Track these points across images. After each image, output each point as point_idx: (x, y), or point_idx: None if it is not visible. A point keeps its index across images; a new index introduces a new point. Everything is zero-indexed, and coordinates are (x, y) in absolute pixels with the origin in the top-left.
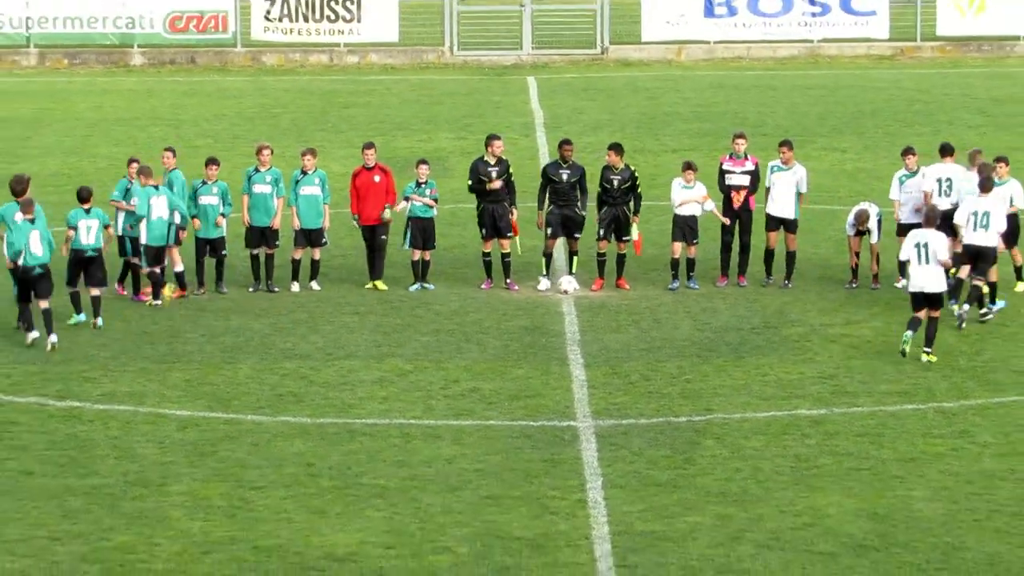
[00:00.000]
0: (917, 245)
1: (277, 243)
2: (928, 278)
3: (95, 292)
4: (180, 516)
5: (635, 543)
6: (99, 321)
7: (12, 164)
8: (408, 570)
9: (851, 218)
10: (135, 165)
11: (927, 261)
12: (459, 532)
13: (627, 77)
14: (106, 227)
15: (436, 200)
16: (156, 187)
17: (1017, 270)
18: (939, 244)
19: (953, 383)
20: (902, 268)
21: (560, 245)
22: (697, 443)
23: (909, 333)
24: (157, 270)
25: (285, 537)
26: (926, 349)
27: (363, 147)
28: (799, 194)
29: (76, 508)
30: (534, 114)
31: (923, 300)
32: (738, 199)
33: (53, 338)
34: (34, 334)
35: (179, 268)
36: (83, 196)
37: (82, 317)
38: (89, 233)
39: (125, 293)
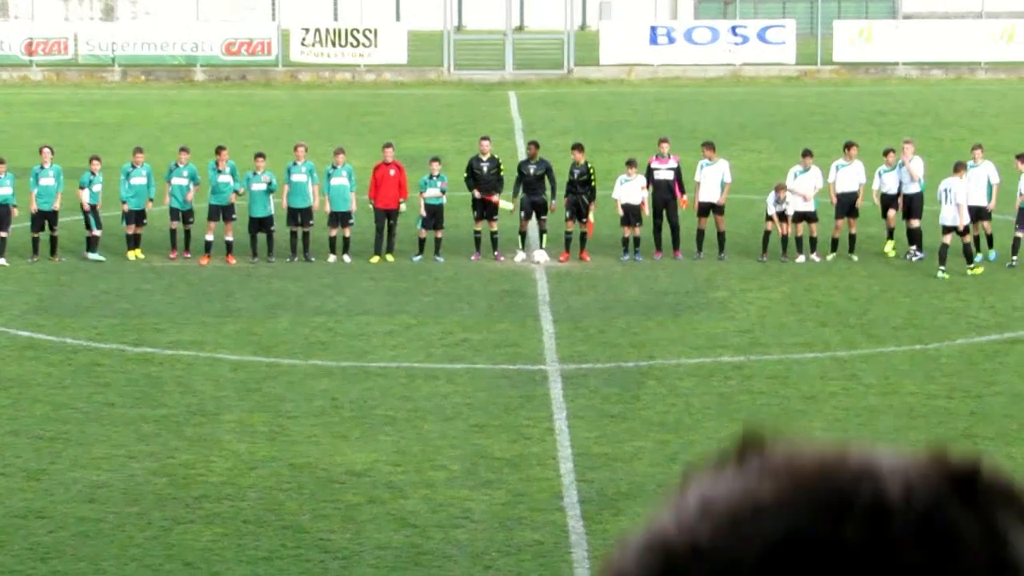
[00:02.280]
0: (944, 190)
1: (312, 222)
2: (951, 214)
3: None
4: (231, 439)
5: (592, 463)
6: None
7: (102, 156)
8: (412, 483)
9: (772, 195)
10: (185, 155)
11: (949, 202)
12: (452, 453)
13: (588, 92)
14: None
15: (444, 191)
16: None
17: (890, 231)
18: (959, 189)
19: (845, 336)
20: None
21: (532, 225)
22: (642, 383)
23: (943, 267)
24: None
25: (314, 456)
26: (970, 266)
27: (383, 146)
28: (724, 183)
29: (148, 432)
30: (514, 121)
31: (944, 231)
32: (665, 191)
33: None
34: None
35: (209, 236)
36: None
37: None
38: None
39: (176, 256)
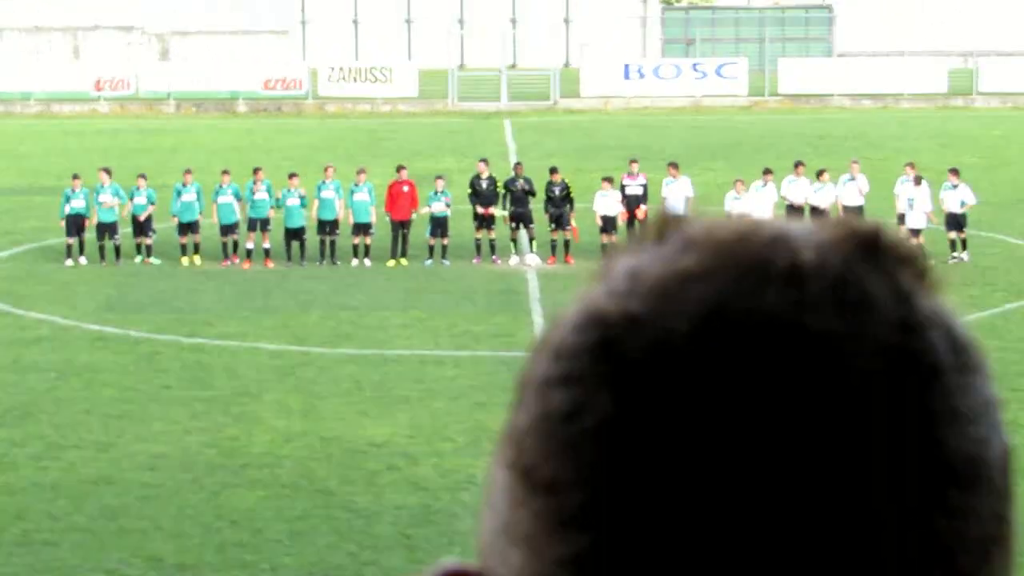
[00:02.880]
0: (909, 199)
1: (338, 231)
2: (915, 218)
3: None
4: (270, 416)
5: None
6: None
7: (159, 176)
8: (424, 452)
9: (732, 192)
10: (227, 176)
11: (913, 208)
12: (458, 427)
13: (571, 120)
14: None
15: (448, 205)
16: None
17: None
18: (922, 198)
19: None
20: None
21: (522, 233)
22: None
23: None
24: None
25: (341, 430)
26: None
27: (397, 168)
28: (687, 198)
29: (200, 411)
30: (508, 145)
31: (913, 233)
32: (635, 204)
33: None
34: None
35: (250, 245)
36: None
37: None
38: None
39: (228, 263)
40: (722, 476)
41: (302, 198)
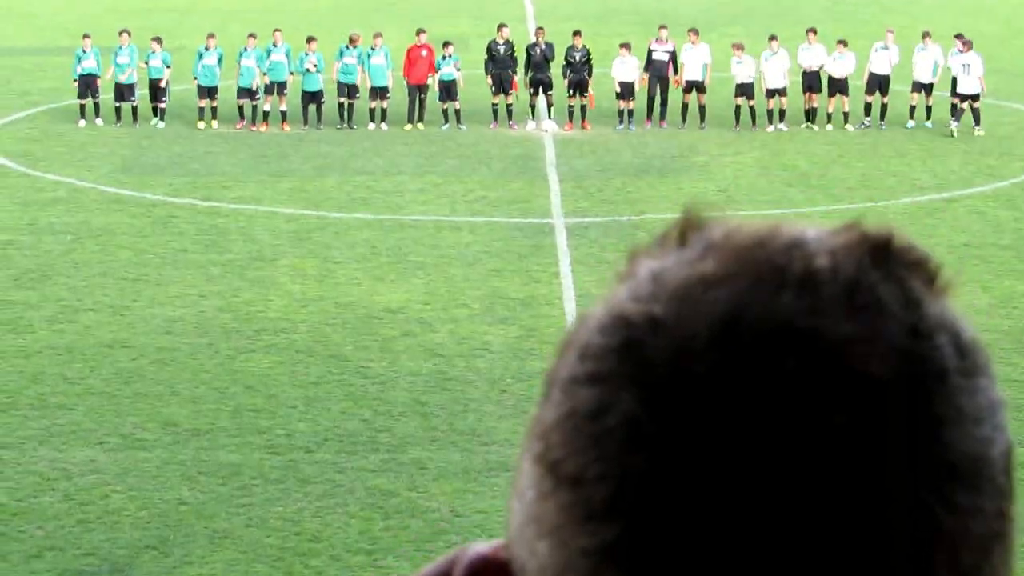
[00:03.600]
0: (963, 64)
1: (357, 95)
2: (969, 84)
3: None
4: (286, 281)
5: (592, 301)
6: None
7: (173, 39)
8: (439, 319)
9: (733, 57)
10: (252, 39)
11: (968, 74)
12: (473, 293)
13: None
14: None
15: (459, 69)
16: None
17: (845, 115)
18: (976, 64)
19: (807, 196)
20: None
21: (540, 99)
22: (634, 235)
23: (954, 122)
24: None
25: (356, 295)
26: (977, 127)
27: (417, 31)
28: (705, 65)
29: (215, 275)
30: (526, 8)
31: (966, 98)
32: (661, 70)
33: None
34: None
35: (267, 107)
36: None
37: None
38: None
39: (242, 126)
40: (740, 473)
41: (316, 65)
